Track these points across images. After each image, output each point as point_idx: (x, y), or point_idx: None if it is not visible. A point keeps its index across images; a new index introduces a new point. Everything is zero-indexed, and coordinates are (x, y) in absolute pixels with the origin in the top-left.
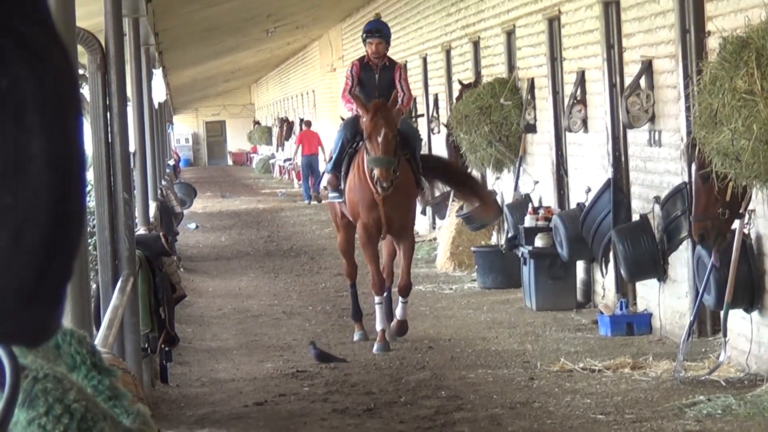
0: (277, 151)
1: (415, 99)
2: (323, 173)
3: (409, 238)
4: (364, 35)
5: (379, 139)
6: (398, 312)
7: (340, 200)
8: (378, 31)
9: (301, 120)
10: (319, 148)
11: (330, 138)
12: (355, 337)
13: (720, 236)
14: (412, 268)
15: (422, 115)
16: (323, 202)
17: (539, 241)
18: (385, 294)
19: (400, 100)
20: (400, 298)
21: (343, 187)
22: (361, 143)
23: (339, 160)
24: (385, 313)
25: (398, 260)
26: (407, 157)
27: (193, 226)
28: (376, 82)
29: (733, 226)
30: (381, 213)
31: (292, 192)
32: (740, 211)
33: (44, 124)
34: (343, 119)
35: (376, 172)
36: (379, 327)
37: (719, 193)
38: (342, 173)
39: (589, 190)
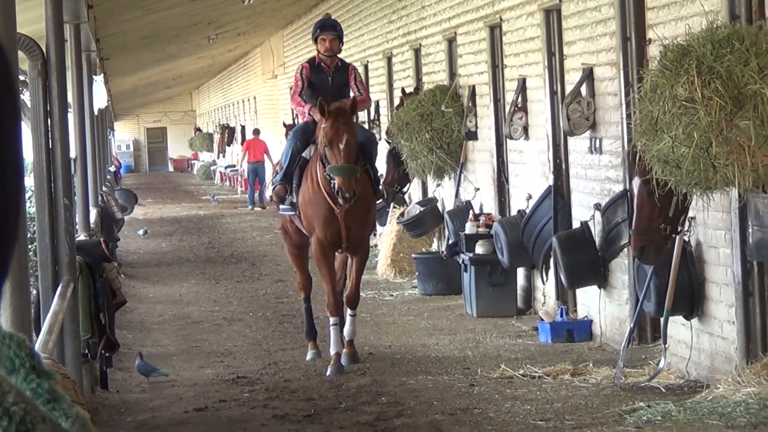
0: (218, 157)
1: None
2: (271, 183)
3: (365, 250)
4: (317, 31)
5: (341, 146)
6: (347, 329)
7: (292, 213)
8: (332, 27)
9: (243, 127)
10: (265, 155)
11: (273, 144)
12: (308, 357)
13: (659, 251)
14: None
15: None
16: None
17: (480, 248)
18: (340, 314)
19: (356, 96)
20: (348, 310)
21: (296, 200)
22: (313, 151)
23: (289, 170)
24: (340, 334)
25: (349, 270)
26: (365, 167)
27: (141, 232)
28: (329, 84)
29: None
30: (342, 227)
31: (233, 198)
32: (678, 228)
33: None
34: (285, 125)
35: (337, 181)
36: (333, 350)
37: (663, 207)
38: (294, 185)
39: (529, 197)
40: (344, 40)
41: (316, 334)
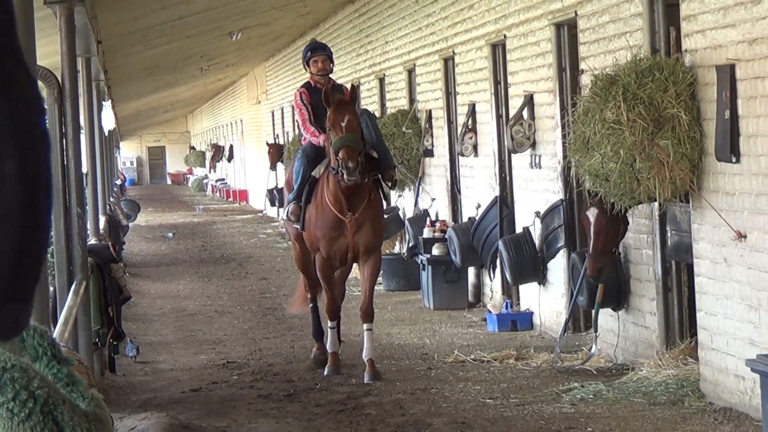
0: (210, 172)
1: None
2: (287, 202)
3: (376, 259)
4: (308, 54)
5: (343, 124)
6: (366, 347)
7: (299, 228)
8: (322, 48)
9: (231, 146)
10: None
11: (257, 161)
12: (313, 356)
13: (610, 270)
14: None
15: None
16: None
17: (436, 250)
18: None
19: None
20: (365, 326)
21: (304, 218)
22: (323, 170)
23: (301, 188)
24: (338, 336)
25: (361, 280)
26: (374, 177)
27: (170, 234)
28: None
29: None
30: (349, 240)
31: (223, 207)
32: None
33: (17, 148)
34: (268, 144)
35: (341, 153)
36: (330, 350)
37: (615, 233)
38: (303, 202)
39: (479, 206)
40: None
41: (323, 335)
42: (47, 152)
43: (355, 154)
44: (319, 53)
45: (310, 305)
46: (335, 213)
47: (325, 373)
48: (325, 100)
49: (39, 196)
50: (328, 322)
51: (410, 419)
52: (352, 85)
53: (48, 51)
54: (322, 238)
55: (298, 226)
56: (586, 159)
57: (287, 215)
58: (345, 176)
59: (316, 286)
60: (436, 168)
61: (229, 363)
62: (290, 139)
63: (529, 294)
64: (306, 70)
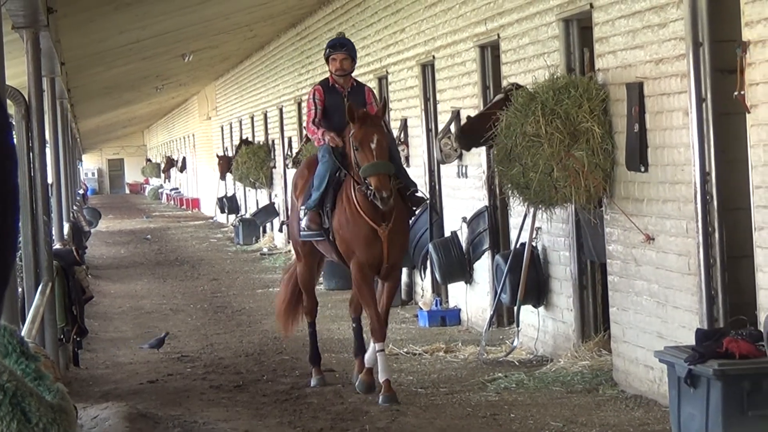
0: (164, 182)
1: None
2: (303, 211)
3: (398, 276)
4: (328, 51)
5: (373, 145)
6: (380, 370)
7: (320, 238)
8: (343, 46)
9: (184, 158)
10: None
11: (207, 173)
12: (312, 383)
13: None
14: (274, 283)
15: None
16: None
17: None
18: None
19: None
20: (376, 346)
21: (328, 225)
22: (345, 175)
23: (325, 194)
24: (387, 360)
25: (378, 296)
26: (399, 185)
27: (149, 236)
28: (345, 106)
29: (523, 240)
30: (384, 249)
31: (177, 214)
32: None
33: None
34: (218, 156)
35: (373, 181)
36: (383, 377)
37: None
38: (327, 208)
39: None
40: (263, 89)
41: (320, 359)
42: (14, 166)
43: (387, 183)
44: (338, 51)
45: (308, 330)
46: (368, 221)
47: (380, 402)
48: (350, 117)
49: (6, 208)
50: (376, 345)
51: (349, 407)
52: (384, 101)
53: (15, 72)
54: (357, 241)
55: (314, 237)
56: (509, 169)
57: (305, 226)
58: (379, 204)
59: (316, 307)
60: None
61: (183, 357)
62: (238, 152)
63: (457, 292)
64: (327, 66)
